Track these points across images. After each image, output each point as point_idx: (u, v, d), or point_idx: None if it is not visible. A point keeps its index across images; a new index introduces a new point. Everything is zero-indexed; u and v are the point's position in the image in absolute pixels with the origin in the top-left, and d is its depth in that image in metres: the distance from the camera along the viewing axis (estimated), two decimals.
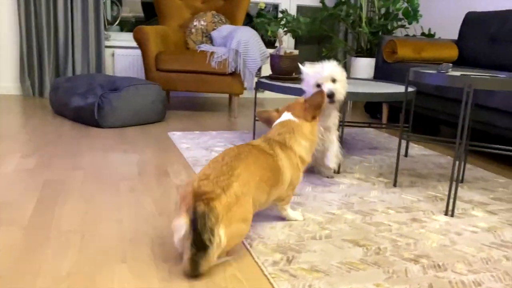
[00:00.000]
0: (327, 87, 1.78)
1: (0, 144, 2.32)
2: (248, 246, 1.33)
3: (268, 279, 1.16)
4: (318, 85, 1.82)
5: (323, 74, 1.80)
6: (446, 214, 1.66)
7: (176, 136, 2.70)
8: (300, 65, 1.93)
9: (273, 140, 1.43)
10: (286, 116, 1.50)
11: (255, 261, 1.25)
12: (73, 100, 2.93)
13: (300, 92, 2.15)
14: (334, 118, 1.93)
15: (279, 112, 1.55)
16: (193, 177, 1.25)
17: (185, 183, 1.32)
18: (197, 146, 2.47)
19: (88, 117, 2.84)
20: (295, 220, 1.53)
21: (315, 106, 1.50)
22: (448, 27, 3.86)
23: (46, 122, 2.90)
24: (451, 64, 1.84)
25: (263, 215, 1.56)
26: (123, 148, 2.39)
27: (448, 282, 1.20)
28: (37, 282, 1.10)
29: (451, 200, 1.71)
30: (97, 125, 2.82)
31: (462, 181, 2.06)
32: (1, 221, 1.43)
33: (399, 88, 2.32)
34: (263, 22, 2.41)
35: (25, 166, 1.99)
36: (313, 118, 1.51)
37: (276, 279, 1.15)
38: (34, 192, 1.71)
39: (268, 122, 1.57)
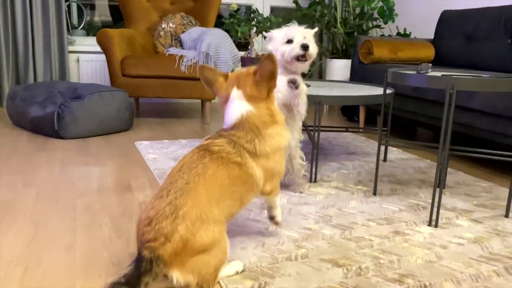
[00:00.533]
0: (299, 41, 1.63)
1: None
2: None
3: None
4: (289, 41, 1.66)
5: (294, 28, 1.67)
6: (429, 224, 1.55)
7: (143, 146, 2.53)
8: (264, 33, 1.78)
9: (239, 145, 1.18)
10: (239, 103, 1.21)
11: None
12: (31, 109, 2.73)
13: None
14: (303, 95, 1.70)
15: (227, 84, 1.24)
16: (141, 217, 1.08)
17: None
18: (165, 157, 2.31)
19: (47, 128, 2.64)
20: (277, 222, 1.39)
21: (267, 76, 1.19)
22: (423, 26, 3.80)
23: (2, 134, 2.69)
24: (430, 64, 1.74)
25: (233, 233, 1.42)
26: (84, 161, 2.21)
27: None
28: None
29: (435, 210, 1.60)
30: (58, 136, 2.62)
31: (444, 187, 1.97)
32: None
33: (377, 90, 2.21)
34: (232, 23, 2.26)
35: None
36: (269, 93, 1.22)
37: None
38: None
39: (210, 85, 1.27)
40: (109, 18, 4.40)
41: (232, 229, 1.45)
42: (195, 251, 1.01)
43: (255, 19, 2.29)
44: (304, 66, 1.69)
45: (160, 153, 2.39)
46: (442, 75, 1.57)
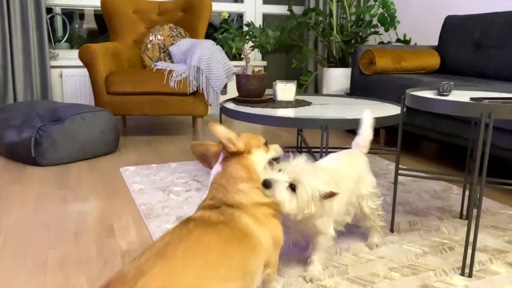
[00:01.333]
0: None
1: None
2: None
3: None
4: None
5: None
6: (462, 273, 1.33)
7: (128, 173, 2.30)
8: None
9: (216, 205, 1.04)
10: (215, 167, 1.13)
11: None
12: (7, 134, 2.49)
13: (272, 120, 1.80)
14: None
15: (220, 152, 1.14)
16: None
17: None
18: (152, 187, 2.08)
19: (24, 154, 2.40)
20: None
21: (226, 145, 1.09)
22: (425, 32, 3.61)
23: None
24: (452, 83, 1.53)
25: None
26: (62, 196, 1.97)
27: None
28: None
29: (469, 255, 1.38)
30: (35, 163, 2.38)
31: (466, 218, 1.76)
32: None
33: (387, 108, 2.00)
34: (226, 38, 2.04)
35: None
36: (238, 153, 1.10)
37: None
38: None
39: (206, 159, 1.19)
40: (95, 28, 4.17)
41: None
42: None
43: (250, 33, 2.06)
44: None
45: (147, 181, 2.16)
46: (470, 98, 1.36)
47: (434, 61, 3.01)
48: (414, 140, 3.24)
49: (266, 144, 1.19)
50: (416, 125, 2.55)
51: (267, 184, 1.11)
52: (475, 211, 1.81)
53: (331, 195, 1.15)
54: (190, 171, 2.36)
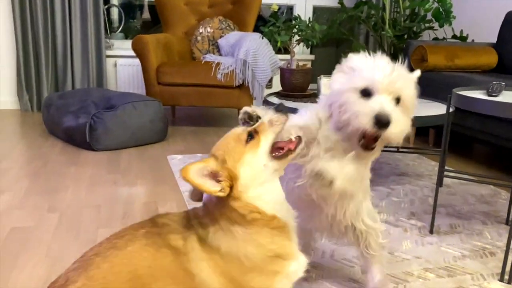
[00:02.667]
0: (378, 104, 0.89)
1: None
2: None
3: None
4: (366, 93, 0.91)
5: (383, 68, 0.91)
6: (501, 279, 1.30)
7: (175, 161, 2.39)
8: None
9: (191, 225, 0.86)
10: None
11: None
12: (65, 119, 2.66)
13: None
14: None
15: None
16: None
17: None
18: None
19: (80, 139, 2.56)
20: None
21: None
22: (483, 28, 3.45)
23: (36, 144, 2.64)
24: (504, 84, 1.48)
25: None
26: (113, 179, 2.09)
27: None
28: None
29: (509, 260, 1.34)
30: (89, 148, 2.54)
31: (510, 223, 1.69)
32: None
33: (435, 107, 1.95)
34: (272, 32, 2.07)
35: None
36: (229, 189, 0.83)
37: None
38: None
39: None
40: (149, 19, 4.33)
41: None
42: None
43: (297, 27, 2.08)
44: (367, 154, 0.96)
45: None
46: None
47: (491, 59, 2.88)
48: (465, 142, 3.12)
49: (251, 136, 0.85)
50: (466, 126, 2.46)
51: (382, 121, 0.86)
52: None
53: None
54: None
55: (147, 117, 2.68)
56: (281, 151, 0.85)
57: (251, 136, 0.84)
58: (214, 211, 0.83)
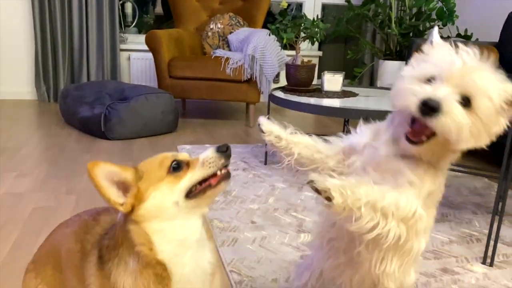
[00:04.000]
0: (434, 88, 0.73)
1: (0, 160, 2.21)
2: None
3: None
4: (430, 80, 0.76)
5: (451, 64, 0.75)
6: (484, 262, 1.40)
7: (185, 150, 2.52)
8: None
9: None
10: None
11: None
12: (81, 109, 2.80)
13: (316, 109, 1.93)
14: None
15: None
16: None
17: None
18: None
19: (95, 128, 2.69)
20: None
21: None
22: (487, 28, 3.51)
23: (53, 133, 2.78)
24: None
25: (265, 261, 1.35)
26: (126, 165, 2.22)
27: None
28: None
29: (491, 244, 1.45)
30: (104, 137, 2.67)
31: (502, 215, 1.79)
32: None
33: None
34: (278, 29, 2.18)
35: (16, 189, 1.85)
36: (126, 215, 0.77)
37: None
38: (19, 222, 1.56)
39: None
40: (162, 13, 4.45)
41: (263, 256, 1.39)
42: None
43: (302, 24, 2.18)
44: (409, 147, 0.77)
45: None
46: None
47: (492, 58, 2.94)
48: None
49: (176, 167, 0.74)
50: None
51: (432, 107, 0.70)
52: (508, 203, 1.85)
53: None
54: (239, 153, 2.54)
55: (159, 109, 2.80)
56: (198, 187, 0.74)
57: (178, 166, 0.74)
58: (118, 234, 0.75)
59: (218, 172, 0.76)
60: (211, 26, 3.53)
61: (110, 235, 0.78)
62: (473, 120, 0.72)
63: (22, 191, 1.84)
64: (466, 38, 3.54)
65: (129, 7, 4.19)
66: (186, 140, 2.77)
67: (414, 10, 3.77)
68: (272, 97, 2.17)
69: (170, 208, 0.72)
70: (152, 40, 3.10)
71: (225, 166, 0.77)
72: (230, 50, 3.45)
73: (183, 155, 0.77)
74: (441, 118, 0.70)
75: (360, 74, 4.05)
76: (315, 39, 2.24)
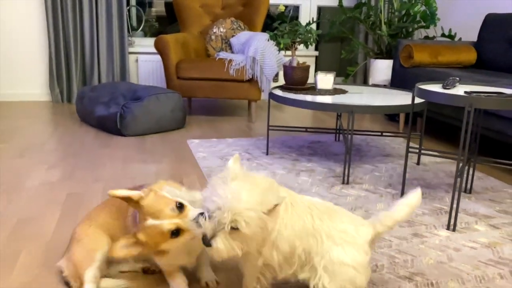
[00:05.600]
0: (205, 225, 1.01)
1: (29, 155, 2.49)
2: None
3: None
4: None
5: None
6: (448, 228, 1.69)
7: (194, 144, 2.81)
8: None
9: None
10: None
11: None
12: (97, 109, 3.08)
13: (310, 105, 2.21)
14: None
15: None
16: None
17: None
18: (213, 155, 2.57)
19: (111, 125, 2.98)
20: None
21: None
22: (469, 28, 3.80)
23: (72, 130, 3.07)
24: (458, 79, 1.86)
25: None
26: (142, 158, 2.51)
27: None
28: None
29: (453, 213, 1.73)
30: (119, 133, 2.96)
31: (470, 192, 2.08)
32: (26, 236, 1.57)
33: (410, 98, 2.33)
34: (276, 35, 2.47)
35: (49, 179, 2.14)
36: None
37: None
38: (57, 206, 1.84)
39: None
40: (164, 12, 4.73)
41: None
42: None
43: (297, 31, 2.47)
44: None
45: (209, 151, 2.65)
46: (464, 92, 1.69)
47: (470, 56, 3.24)
48: (449, 130, 3.49)
49: (180, 207, 1.09)
50: (445, 114, 2.83)
51: (207, 244, 0.99)
52: (476, 183, 2.14)
53: (275, 208, 1.00)
54: (243, 145, 2.82)
55: (169, 107, 3.09)
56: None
57: (176, 233, 1.08)
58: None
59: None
60: (214, 30, 3.81)
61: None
62: (240, 241, 1.00)
63: (55, 180, 2.12)
64: (450, 37, 3.82)
65: (133, 12, 4.47)
66: (194, 135, 3.06)
67: (402, 12, 4.06)
68: (271, 95, 2.46)
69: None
70: (160, 44, 3.38)
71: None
72: (232, 52, 3.74)
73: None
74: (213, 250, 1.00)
75: (353, 73, 4.34)
76: (308, 43, 2.53)
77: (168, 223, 1.06)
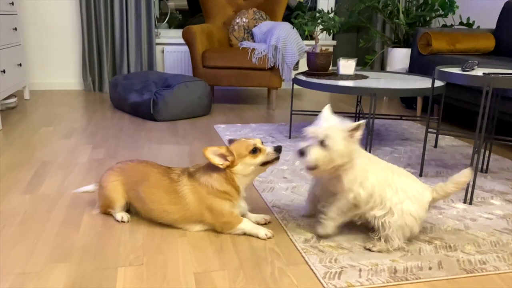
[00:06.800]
0: (300, 144, 1.40)
1: (75, 137, 2.70)
2: (285, 227, 1.59)
3: (300, 253, 1.41)
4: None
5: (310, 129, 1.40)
6: (465, 202, 1.83)
7: (220, 128, 2.98)
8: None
9: (186, 170, 1.57)
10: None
11: (290, 238, 1.51)
12: (131, 96, 3.27)
13: (334, 88, 2.36)
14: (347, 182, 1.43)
15: None
16: None
17: None
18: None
19: (144, 111, 3.17)
20: (258, 237, 1.52)
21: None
22: (488, 16, 3.88)
23: (108, 116, 3.27)
24: (477, 62, 1.98)
25: (296, 202, 1.81)
26: (175, 140, 2.69)
27: (456, 261, 1.40)
28: (119, 250, 1.41)
29: (470, 189, 1.87)
30: (152, 119, 3.15)
31: (486, 172, 2.21)
32: (85, 203, 1.76)
33: (429, 83, 2.46)
34: (300, 23, 2.61)
35: (96, 156, 2.34)
36: (227, 166, 1.48)
37: (307, 253, 1.40)
38: None
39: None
40: (185, 6, 4.90)
41: (295, 198, 1.84)
42: None
43: (320, 19, 2.61)
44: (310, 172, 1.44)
45: (235, 135, 2.82)
46: (483, 73, 1.82)
47: (488, 43, 3.33)
48: (467, 115, 3.60)
49: (254, 151, 1.46)
50: (462, 100, 2.95)
51: (301, 153, 1.37)
52: (493, 164, 2.26)
53: (357, 127, 1.35)
54: (266, 130, 2.99)
55: (196, 94, 3.26)
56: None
57: (255, 150, 1.47)
58: (213, 167, 1.50)
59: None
60: (237, 21, 3.97)
61: (195, 169, 1.56)
62: (327, 154, 1.35)
63: (101, 158, 2.32)
64: (468, 25, 3.91)
65: (156, 4, 4.65)
66: (220, 121, 3.23)
67: (420, 1, 4.15)
68: (296, 80, 2.61)
69: (248, 169, 1.48)
70: (188, 35, 3.55)
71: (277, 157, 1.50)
72: (254, 41, 3.89)
73: (258, 143, 1.50)
74: (305, 158, 1.37)
75: (371, 61, 4.45)
76: (331, 30, 2.67)
77: (252, 142, 1.48)
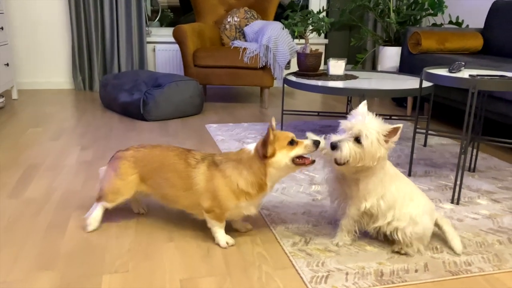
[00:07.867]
0: (332, 137, 1.38)
1: (63, 138, 2.68)
2: (273, 230, 1.59)
3: (288, 257, 1.42)
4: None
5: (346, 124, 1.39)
6: (452, 202, 1.85)
7: (212, 128, 2.97)
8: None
9: (210, 158, 1.49)
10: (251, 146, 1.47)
11: (278, 242, 1.52)
12: (121, 96, 3.26)
13: (323, 89, 2.36)
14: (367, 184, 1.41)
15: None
16: None
17: None
18: (231, 138, 2.74)
19: (134, 111, 3.16)
20: (217, 244, 1.49)
21: (261, 143, 1.41)
22: (477, 15, 3.90)
23: (98, 116, 3.25)
24: (463, 63, 2.00)
25: (285, 203, 1.82)
26: (166, 141, 2.69)
27: (442, 263, 1.41)
28: (105, 256, 1.41)
29: (457, 189, 1.89)
30: (142, 118, 3.14)
31: (474, 171, 2.23)
32: (71, 206, 1.75)
33: (418, 82, 2.47)
34: (290, 24, 2.61)
35: (84, 158, 2.33)
36: (264, 157, 1.39)
37: (294, 257, 1.41)
38: (95, 181, 2.03)
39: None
40: (177, 3, 4.87)
41: (284, 199, 1.85)
42: None
43: (310, 19, 2.61)
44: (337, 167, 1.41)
45: (227, 134, 2.82)
46: (469, 75, 1.83)
47: (477, 43, 3.35)
48: (456, 114, 3.62)
49: (292, 142, 1.38)
50: (452, 99, 2.97)
51: (334, 146, 1.34)
52: (480, 163, 2.29)
53: (395, 130, 1.32)
54: (258, 129, 2.99)
55: (187, 94, 3.26)
56: (298, 160, 1.39)
57: (293, 142, 1.39)
58: (244, 158, 1.43)
59: (310, 157, 1.42)
60: (229, 20, 3.96)
61: (223, 157, 1.47)
62: (360, 151, 1.32)
63: (90, 159, 2.31)
64: (457, 24, 3.93)
65: (147, 2, 4.63)
66: (212, 120, 3.23)
67: (411, 0, 4.16)
68: (286, 81, 2.61)
69: (282, 162, 1.39)
70: (178, 34, 3.54)
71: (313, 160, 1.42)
72: (246, 41, 3.88)
73: (294, 137, 1.42)
74: (337, 152, 1.34)
75: (362, 60, 4.46)
76: (321, 31, 2.67)
77: (291, 134, 1.41)
